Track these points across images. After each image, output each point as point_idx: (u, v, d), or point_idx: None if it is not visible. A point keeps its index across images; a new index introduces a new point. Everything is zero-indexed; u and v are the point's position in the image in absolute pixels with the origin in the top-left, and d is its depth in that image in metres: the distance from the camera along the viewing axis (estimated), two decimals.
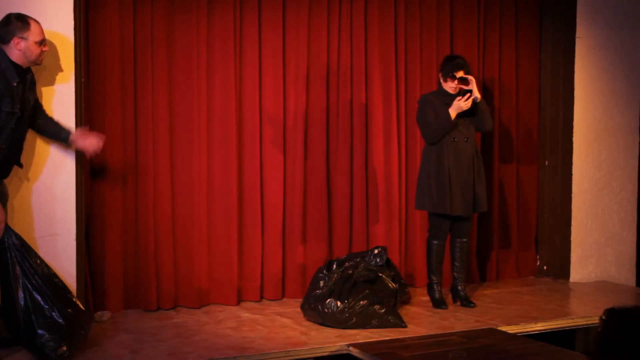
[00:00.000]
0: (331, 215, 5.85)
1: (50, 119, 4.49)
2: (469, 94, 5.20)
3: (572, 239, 6.36)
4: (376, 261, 5.16)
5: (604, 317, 2.08)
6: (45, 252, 4.63)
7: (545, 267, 6.59)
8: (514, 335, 4.74)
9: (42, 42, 4.23)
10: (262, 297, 5.65)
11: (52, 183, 4.65)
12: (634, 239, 6.57)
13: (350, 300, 4.86)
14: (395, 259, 5.88)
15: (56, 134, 4.48)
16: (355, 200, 5.89)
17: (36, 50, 4.19)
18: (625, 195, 6.52)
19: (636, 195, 6.57)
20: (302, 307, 5.11)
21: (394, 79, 5.98)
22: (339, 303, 4.85)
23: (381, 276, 5.10)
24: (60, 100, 4.66)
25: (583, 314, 5.31)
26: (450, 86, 5.32)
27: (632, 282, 6.51)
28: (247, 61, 5.55)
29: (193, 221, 5.40)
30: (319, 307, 4.90)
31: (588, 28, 6.32)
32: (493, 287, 6.17)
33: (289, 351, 4.39)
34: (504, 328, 4.86)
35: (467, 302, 5.45)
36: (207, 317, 5.14)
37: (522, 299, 5.73)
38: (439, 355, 4.25)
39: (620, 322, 2.04)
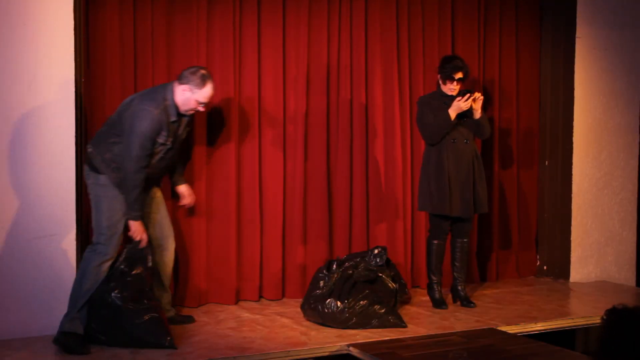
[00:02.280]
0: (331, 215, 5.84)
1: (182, 160, 5.04)
2: (468, 94, 5.20)
3: (572, 239, 6.36)
4: (376, 261, 5.16)
5: (605, 317, 2.08)
6: (45, 252, 4.65)
7: (545, 267, 6.59)
8: (514, 335, 4.74)
9: (203, 104, 4.56)
10: (261, 297, 5.65)
11: (52, 183, 4.65)
12: (634, 239, 6.57)
13: (350, 300, 4.85)
14: (400, 260, 5.88)
15: (176, 174, 4.99)
16: (355, 200, 5.88)
17: (193, 105, 4.53)
18: (625, 195, 6.52)
19: (636, 195, 6.57)
20: (302, 307, 5.11)
21: (396, 78, 5.98)
22: (339, 303, 4.85)
23: (381, 276, 5.10)
24: (60, 100, 4.67)
25: (583, 314, 5.31)
26: (449, 88, 5.31)
27: (632, 282, 6.52)
28: (246, 61, 5.55)
29: (192, 221, 5.40)
30: (319, 307, 4.90)
31: (588, 28, 6.32)
32: (493, 287, 6.17)
33: (289, 351, 4.39)
34: (504, 328, 4.86)
35: (467, 302, 5.45)
36: (207, 317, 5.13)
37: (522, 299, 5.73)
38: (439, 355, 4.25)
39: (621, 321, 2.04)
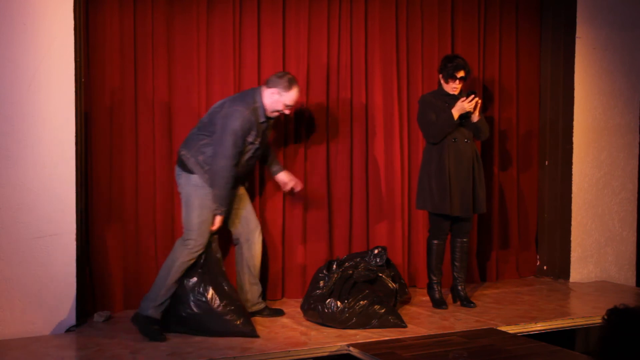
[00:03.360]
0: (331, 215, 5.84)
1: (271, 150, 5.29)
2: (473, 95, 5.19)
3: (572, 239, 6.36)
4: (376, 261, 5.16)
5: (606, 317, 2.07)
6: (45, 252, 4.64)
7: (545, 267, 6.58)
8: (514, 335, 4.74)
9: (289, 107, 4.88)
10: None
11: (52, 183, 4.65)
12: (634, 239, 6.56)
13: (350, 300, 4.85)
14: (398, 260, 5.88)
15: (270, 162, 5.26)
16: (355, 200, 5.88)
17: (279, 107, 4.85)
18: (626, 195, 6.52)
19: (636, 195, 6.57)
20: (302, 307, 5.11)
21: (395, 78, 5.98)
22: (339, 303, 4.84)
23: (381, 276, 5.10)
24: (60, 100, 4.66)
25: (583, 314, 5.31)
26: (451, 87, 5.31)
27: (632, 282, 6.51)
28: (246, 61, 5.54)
29: None
30: (319, 307, 4.90)
31: (588, 28, 6.31)
32: (493, 287, 6.17)
33: (289, 351, 4.39)
34: (504, 328, 4.86)
35: (467, 302, 5.45)
36: None
37: (522, 299, 5.73)
38: (439, 355, 4.25)
39: (623, 321, 2.03)
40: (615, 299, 5.70)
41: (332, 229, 5.85)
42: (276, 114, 4.88)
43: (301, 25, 5.69)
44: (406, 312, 5.25)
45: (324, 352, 4.48)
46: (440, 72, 5.40)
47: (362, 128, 5.89)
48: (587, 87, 6.35)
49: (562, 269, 6.44)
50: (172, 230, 5.35)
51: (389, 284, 5.12)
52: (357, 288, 4.93)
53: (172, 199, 5.35)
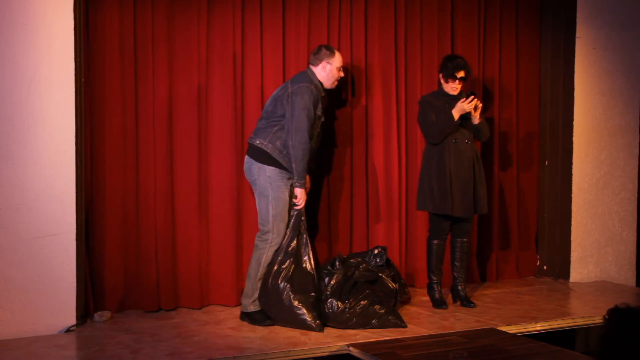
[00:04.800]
0: (331, 215, 5.84)
1: None
2: (472, 96, 5.20)
3: (572, 239, 6.36)
4: (376, 261, 5.16)
5: (607, 317, 2.07)
6: (45, 252, 4.65)
7: (545, 267, 6.58)
8: (514, 335, 4.74)
9: (341, 68, 5.17)
10: None
11: (52, 183, 4.65)
12: (634, 239, 6.56)
13: (351, 300, 4.85)
14: (396, 260, 5.88)
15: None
16: (356, 200, 5.88)
17: (336, 74, 5.14)
18: (626, 195, 6.52)
19: (636, 195, 6.57)
20: None
21: (394, 79, 5.98)
22: (339, 303, 4.85)
23: (381, 276, 5.10)
24: (60, 100, 4.67)
25: (583, 314, 5.31)
26: (451, 87, 5.32)
27: (632, 282, 6.51)
28: (247, 61, 5.54)
29: (193, 221, 5.39)
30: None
31: (588, 28, 6.31)
32: (493, 287, 6.17)
33: (289, 351, 4.39)
34: (504, 328, 4.86)
35: (467, 302, 5.45)
36: (207, 317, 5.14)
37: (522, 299, 5.74)
38: (439, 355, 4.25)
39: (624, 321, 2.03)
40: (615, 299, 5.70)
41: (332, 229, 5.85)
42: (336, 83, 5.17)
43: (301, 25, 5.69)
44: (406, 312, 5.25)
45: (324, 352, 4.48)
46: (440, 71, 5.40)
47: (361, 128, 5.89)
48: (587, 87, 6.35)
49: (562, 269, 6.44)
50: (173, 230, 5.35)
51: (389, 284, 5.12)
52: (357, 288, 4.94)
53: (172, 198, 5.35)
